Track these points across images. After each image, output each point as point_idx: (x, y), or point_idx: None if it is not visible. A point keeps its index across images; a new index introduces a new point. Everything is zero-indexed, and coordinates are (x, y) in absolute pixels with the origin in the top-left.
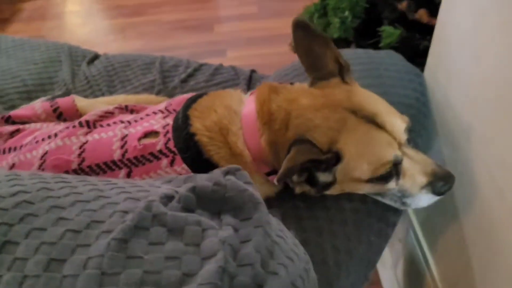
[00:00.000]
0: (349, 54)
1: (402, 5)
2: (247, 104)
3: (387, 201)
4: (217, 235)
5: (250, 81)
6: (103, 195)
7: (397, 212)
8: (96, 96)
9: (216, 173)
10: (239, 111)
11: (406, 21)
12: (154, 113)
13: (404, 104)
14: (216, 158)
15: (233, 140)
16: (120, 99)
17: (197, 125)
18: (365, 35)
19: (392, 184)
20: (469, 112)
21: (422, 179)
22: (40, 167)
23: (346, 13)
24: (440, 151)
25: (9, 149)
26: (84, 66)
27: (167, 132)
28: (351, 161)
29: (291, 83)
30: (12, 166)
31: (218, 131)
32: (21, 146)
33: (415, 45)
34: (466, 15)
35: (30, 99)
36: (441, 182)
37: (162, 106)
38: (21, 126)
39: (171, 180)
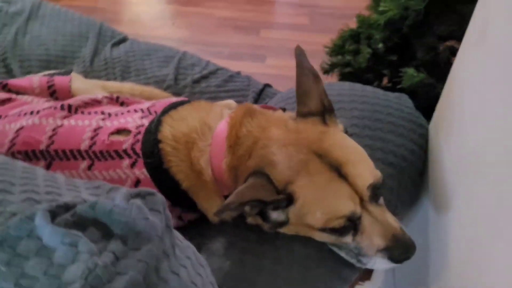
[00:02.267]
0: (357, 90)
1: (443, 47)
2: (223, 122)
3: (343, 254)
4: (88, 261)
5: (260, 95)
6: (8, 189)
7: (353, 268)
8: (109, 79)
9: (124, 193)
10: (213, 127)
11: (437, 67)
12: (135, 111)
13: (396, 154)
14: (175, 170)
15: (196, 156)
16: (127, 87)
17: (166, 133)
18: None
19: (348, 239)
20: (455, 178)
21: (380, 242)
22: (12, 140)
23: (380, 45)
24: (427, 210)
25: None
26: (108, 47)
27: (139, 133)
28: (305, 206)
29: (283, 109)
30: None
31: (183, 143)
32: (6, 116)
33: (437, 94)
34: (472, 83)
35: (48, 69)
36: (399, 250)
37: (145, 105)
38: (13, 96)
39: (99, 186)
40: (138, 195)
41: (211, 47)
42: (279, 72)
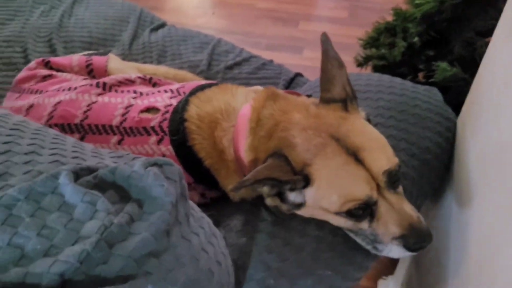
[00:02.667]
0: (384, 81)
1: (482, 43)
2: (247, 105)
3: (358, 240)
4: (105, 219)
5: (291, 84)
6: (38, 152)
7: (367, 255)
8: (146, 63)
9: (142, 161)
10: (238, 109)
11: (473, 63)
12: (165, 91)
13: (420, 145)
14: (198, 147)
15: (219, 135)
16: (162, 70)
17: (192, 112)
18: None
19: (364, 225)
20: (480, 173)
21: (395, 230)
22: (50, 114)
23: (416, 38)
24: (450, 203)
25: (36, 91)
26: (147, 32)
27: (167, 112)
28: (321, 188)
29: (309, 95)
30: (31, 106)
31: (208, 122)
32: (46, 91)
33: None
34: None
35: (90, 50)
36: (414, 238)
37: (175, 87)
38: (54, 73)
39: (123, 156)
40: (155, 164)
41: (249, 38)
42: (316, 64)
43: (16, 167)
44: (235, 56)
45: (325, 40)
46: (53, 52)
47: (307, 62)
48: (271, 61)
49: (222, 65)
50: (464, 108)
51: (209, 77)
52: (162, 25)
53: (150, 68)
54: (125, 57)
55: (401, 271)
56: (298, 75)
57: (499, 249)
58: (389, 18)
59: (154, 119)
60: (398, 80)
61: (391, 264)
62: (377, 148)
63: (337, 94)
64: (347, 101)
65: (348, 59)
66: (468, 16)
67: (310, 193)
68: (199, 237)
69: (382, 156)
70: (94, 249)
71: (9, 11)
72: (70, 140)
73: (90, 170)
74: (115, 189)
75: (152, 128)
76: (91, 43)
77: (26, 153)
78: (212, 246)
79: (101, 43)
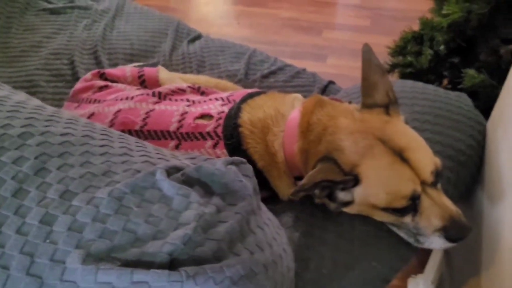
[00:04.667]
0: (419, 88)
1: (505, 50)
2: (295, 111)
3: (402, 233)
4: (198, 209)
5: (324, 91)
6: (129, 153)
7: (410, 247)
8: (186, 73)
9: (222, 160)
10: (287, 115)
11: (499, 69)
12: (216, 99)
13: (455, 148)
14: (252, 151)
15: (271, 139)
16: (202, 79)
17: (245, 118)
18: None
19: (408, 219)
20: (511, 173)
21: (437, 222)
22: (112, 121)
23: (442, 47)
24: (481, 202)
25: (95, 100)
26: (185, 43)
27: (220, 118)
28: (369, 187)
29: (349, 102)
30: (92, 115)
31: (260, 127)
32: (104, 100)
33: (497, 95)
34: None
35: (132, 61)
36: (455, 230)
37: (225, 95)
38: (110, 84)
39: (196, 157)
40: (233, 163)
41: (274, 46)
42: (339, 72)
43: (116, 166)
44: (270, 65)
45: (367, 50)
46: (99, 64)
47: (331, 70)
48: (304, 70)
49: (258, 74)
50: (494, 112)
51: (247, 85)
52: (199, 36)
53: (192, 78)
54: (166, 67)
55: (431, 269)
56: (331, 82)
57: None
58: (414, 26)
59: (209, 125)
60: (431, 86)
61: (419, 264)
62: (420, 148)
63: (379, 100)
64: (389, 106)
65: None
66: (494, 24)
67: (358, 192)
68: (269, 227)
69: (426, 155)
70: (194, 233)
71: (55, 25)
72: (149, 144)
73: (177, 169)
74: (200, 185)
75: (208, 133)
76: (133, 54)
77: (120, 154)
78: (279, 236)
79: (143, 55)
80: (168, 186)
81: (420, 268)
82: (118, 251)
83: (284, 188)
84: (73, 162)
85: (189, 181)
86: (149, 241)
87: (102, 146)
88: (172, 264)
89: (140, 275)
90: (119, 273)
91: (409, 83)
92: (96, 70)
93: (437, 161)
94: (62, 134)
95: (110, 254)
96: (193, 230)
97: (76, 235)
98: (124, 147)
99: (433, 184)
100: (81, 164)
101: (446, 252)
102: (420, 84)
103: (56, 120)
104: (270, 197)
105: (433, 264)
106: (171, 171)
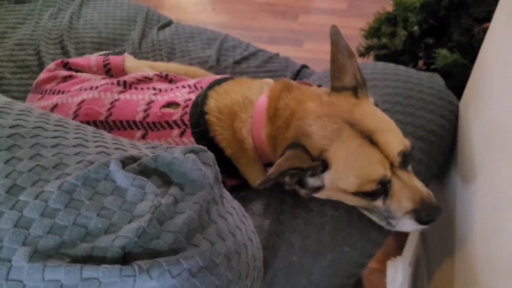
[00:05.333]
0: (390, 69)
1: (478, 29)
2: (263, 96)
3: (373, 217)
4: (154, 200)
5: (297, 75)
6: (84, 144)
7: (382, 231)
8: (156, 61)
9: (181, 149)
10: (254, 101)
11: (471, 49)
12: (183, 87)
13: (426, 128)
14: (219, 138)
15: (238, 126)
16: (172, 67)
17: (211, 105)
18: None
19: (379, 202)
20: (482, 152)
21: (408, 205)
22: (76, 112)
23: (415, 28)
24: (454, 182)
25: (58, 91)
26: (155, 30)
27: (187, 106)
28: (338, 172)
29: (319, 85)
30: (55, 106)
31: (227, 114)
32: (68, 91)
33: (469, 74)
34: (500, 61)
35: (100, 50)
36: (426, 211)
37: (192, 82)
38: (74, 73)
39: (157, 146)
40: (192, 151)
41: (250, 32)
42: (316, 56)
43: (68, 158)
44: (242, 51)
45: (335, 32)
46: (65, 54)
47: (308, 54)
48: (277, 55)
49: (230, 60)
50: (466, 92)
51: (219, 72)
52: (169, 23)
53: (162, 66)
54: (135, 55)
55: (408, 251)
56: (304, 67)
57: (503, 222)
58: (389, 8)
59: (176, 113)
60: (402, 68)
61: (398, 247)
62: (389, 130)
63: (348, 82)
64: (357, 89)
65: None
66: (466, 4)
67: (328, 177)
68: (233, 216)
69: (395, 138)
70: (148, 225)
71: (19, 15)
72: (107, 134)
73: (134, 159)
74: (158, 174)
75: (174, 122)
76: (101, 43)
77: (74, 146)
78: (244, 225)
79: (111, 43)
80: (122, 177)
81: (399, 250)
82: (67, 247)
83: (254, 175)
84: (21, 155)
85: (146, 171)
86: (101, 235)
87: (54, 137)
88: (125, 259)
89: (90, 271)
90: (67, 270)
91: (381, 64)
92: (60, 60)
93: (406, 142)
94: (11, 126)
95: (59, 250)
96: (148, 222)
97: (23, 231)
98: (78, 137)
99: (403, 166)
100: (30, 157)
101: (422, 233)
102: (391, 66)
103: (7, 112)
104: (241, 184)
105: (410, 246)
106: (127, 162)
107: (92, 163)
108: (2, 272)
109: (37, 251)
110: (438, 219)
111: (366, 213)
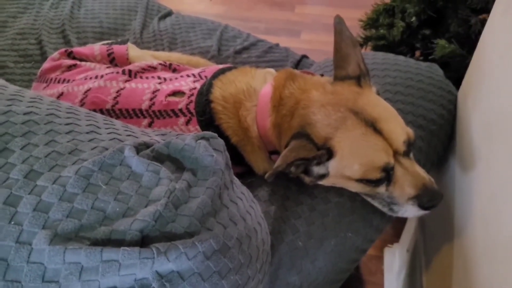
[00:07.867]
0: (390, 59)
1: (476, 19)
2: (267, 85)
3: (376, 203)
4: (169, 185)
5: (298, 65)
6: (96, 131)
7: (384, 217)
8: (157, 50)
9: (192, 135)
10: (259, 89)
11: (469, 39)
12: (188, 76)
13: (426, 117)
14: (225, 126)
15: (243, 114)
16: (174, 56)
17: (217, 94)
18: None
19: (382, 189)
20: (481, 140)
21: (410, 191)
22: (82, 101)
23: (413, 18)
24: (453, 170)
25: (63, 80)
26: (155, 20)
27: (192, 95)
28: (343, 159)
29: (321, 75)
30: (61, 94)
31: (232, 103)
32: (73, 80)
33: (467, 65)
34: (499, 51)
35: (102, 39)
36: (428, 197)
37: (196, 71)
38: (78, 62)
39: (166, 133)
40: (203, 138)
41: (247, 23)
42: (313, 47)
43: (83, 144)
44: (243, 41)
45: (339, 21)
46: (67, 43)
47: (305, 45)
48: (277, 45)
49: (231, 50)
50: (465, 82)
51: (220, 62)
52: (169, 13)
53: (164, 55)
54: (137, 45)
55: (406, 238)
56: (304, 57)
57: (502, 207)
58: None
59: (181, 102)
60: (401, 58)
61: (395, 234)
62: (392, 118)
63: (351, 71)
64: (360, 78)
65: None
66: None
67: (333, 164)
68: (243, 201)
69: (398, 126)
70: (164, 209)
71: (19, 4)
72: (118, 121)
73: (147, 145)
74: (170, 160)
75: (180, 110)
76: (103, 33)
77: (87, 132)
78: (253, 209)
79: (112, 33)
80: (137, 162)
81: (396, 237)
82: (86, 230)
83: (259, 163)
84: (37, 141)
85: (159, 157)
86: (119, 219)
87: (68, 124)
88: (144, 241)
89: (110, 253)
90: (88, 252)
91: (380, 54)
92: (64, 49)
93: (409, 131)
94: (25, 113)
95: (78, 233)
96: (164, 206)
97: (42, 215)
98: (91, 124)
99: (406, 154)
100: (46, 143)
101: (420, 220)
102: (391, 56)
103: (19, 99)
104: (246, 172)
105: (408, 233)
106: (140, 148)
107: (107, 149)
108: (23, 255)
109: (57, 234)
110: (437, 206)
111: (369, 199)
